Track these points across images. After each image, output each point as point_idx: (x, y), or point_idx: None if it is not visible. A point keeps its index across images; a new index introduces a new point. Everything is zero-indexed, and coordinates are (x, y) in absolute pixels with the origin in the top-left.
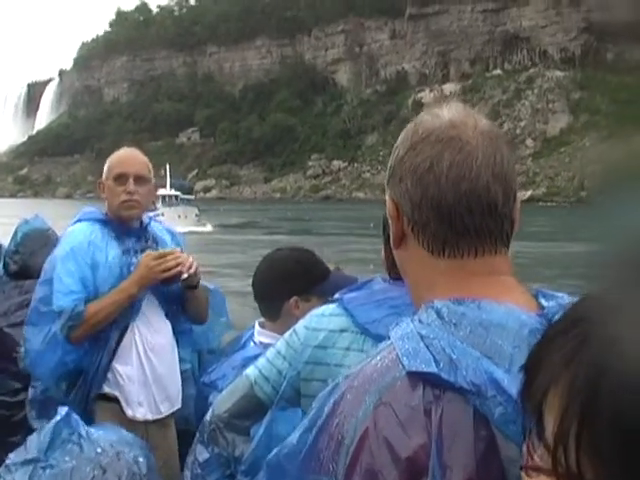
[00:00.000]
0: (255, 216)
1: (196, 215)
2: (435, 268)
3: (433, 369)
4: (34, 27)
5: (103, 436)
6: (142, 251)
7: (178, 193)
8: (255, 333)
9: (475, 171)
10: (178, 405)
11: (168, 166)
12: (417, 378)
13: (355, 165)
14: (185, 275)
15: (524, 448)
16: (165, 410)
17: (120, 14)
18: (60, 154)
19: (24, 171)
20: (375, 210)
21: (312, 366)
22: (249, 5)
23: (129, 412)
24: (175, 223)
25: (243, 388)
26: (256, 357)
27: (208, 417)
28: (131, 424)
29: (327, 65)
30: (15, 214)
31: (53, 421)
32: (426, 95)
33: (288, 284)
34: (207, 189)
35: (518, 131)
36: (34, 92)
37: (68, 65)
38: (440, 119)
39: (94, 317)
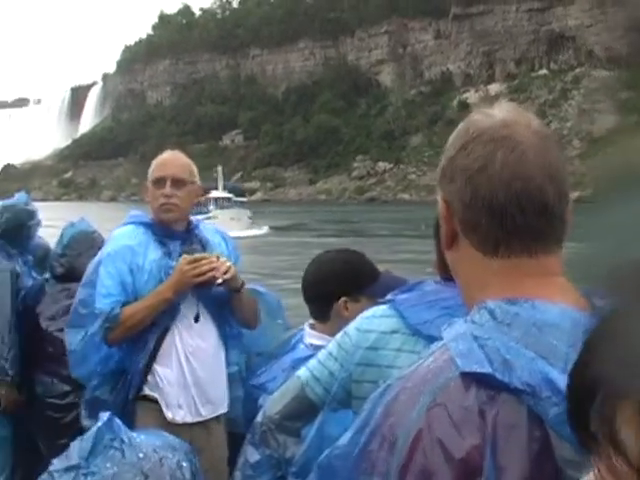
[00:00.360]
0: (302, 218)
1: (249, 217)
2: (487, 268)
3: (487, 370)
4: (77, 32)
5: (146, 441)
6: (184, 254)
7: (231, 195)
8: (305, 335)
9: (528, 171)
10: (223, 409)
11: (220, 168)
12: (471, 379)
13: (400, 166)
14: (220, 280)
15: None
16: (207, 413)
17: (163, 17)
18: (104, 157)
19: (69, 174)
20: (424, 211)
21: (363, 367)
22: (292, 7)
23: (169, 414)
24: (228, 226)
25: (294, 389)
26: (306, 359)
27: (259, 418)
28: (174, 427)
29: (370, 66)
30: (60, 217)
31: (95, 426)
32: (471, 96)
33: (337, 285)
34: (252, 191)
35: (565, 131)
36: (77, 96)
37: (111, 69)
38: (492, 118)
39: (130, 319)
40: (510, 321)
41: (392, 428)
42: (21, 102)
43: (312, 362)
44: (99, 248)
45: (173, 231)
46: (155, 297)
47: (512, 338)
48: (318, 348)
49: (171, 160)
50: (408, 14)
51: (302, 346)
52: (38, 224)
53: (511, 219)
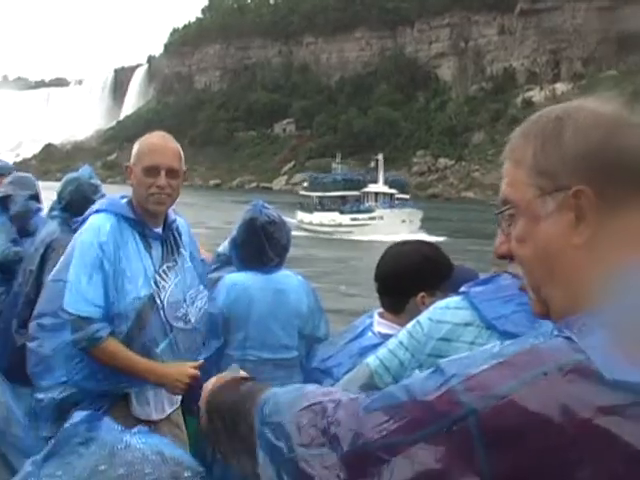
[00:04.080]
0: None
1: (421, 220)
2: None
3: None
4: (123, 13)
5: (140, 447)
6: (164, 258)
7: (394, 191)
8: (374, 323)
9: None
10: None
11: (380, 156)
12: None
13: (462, 164)
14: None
15: None
16: (170, 409)
17: (214, 1)
18: None
19: (113, 156)
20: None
21: (434, 359)
22: None
23: (136, 411)
24: (396, 230)
25: (363, 377)
26: (374, 347)
27: None
28: (139, 423)
29: (430, 59)
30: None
31: (68, 423)
32: (536, 94)
33: (418, 280)
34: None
35: None
36: (120, 77)
37: (156, 51)
38: (607, 105)
39: (106, 356)
40: None
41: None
42: (59, 82)
43: (382, 351)
44: None
45: (154, 230)
46: (142, 369)
47: None
48: (387, 337)
49: (165, 147)
50: (472, 7)
51: (370, 334)
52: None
53: None
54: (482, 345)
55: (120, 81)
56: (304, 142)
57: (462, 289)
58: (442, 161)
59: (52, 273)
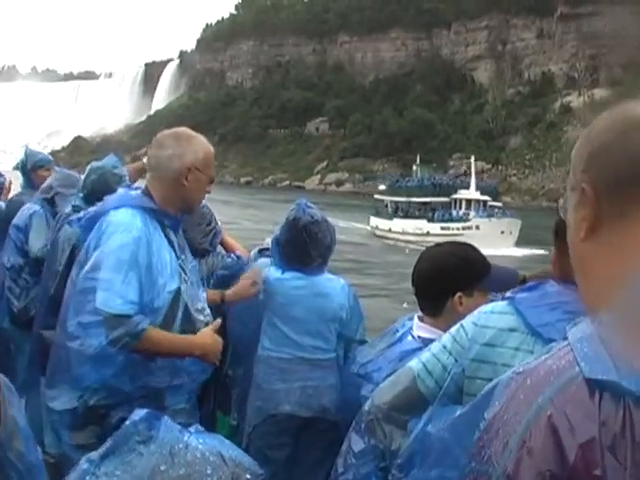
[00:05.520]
0: None
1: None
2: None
3: (613, 377)
4: (154, 8)
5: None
6: (181, 249)
7: (487, 198)
8: (414, 327)
9: None
10: None
11: (473, 159)
12: (595, 385)
13: (499, 167)
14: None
15: None
16: None
17: None
18: None
19: (142, 151)
20: (534, 218)
21: (478, 364)
22: None
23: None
24: (494, 242)
25: (405, 381)
26: (414, 351)
27: (367, 407)
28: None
29: (466, 62)
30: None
31: (129, 421)
32: (574, 99)
33: (453, 281)
34: (339, 182)
35: None
36: (151, 72)
37: (188, 47)
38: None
39: (150, 344)
40: None
41: (506, 426)
42: (88, 75)
43: (425, 354)
44: None
45: (174, 218)
46: (185, 345)
47: None
48: (427, 341)
49: None
50: (510, 10)
51: (410, 338)
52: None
53: None
54: (527, 351)
55: (151, 75)
56: (337, 141)
57: (507, 294)
58: (479, 164)
59: (85, 270)
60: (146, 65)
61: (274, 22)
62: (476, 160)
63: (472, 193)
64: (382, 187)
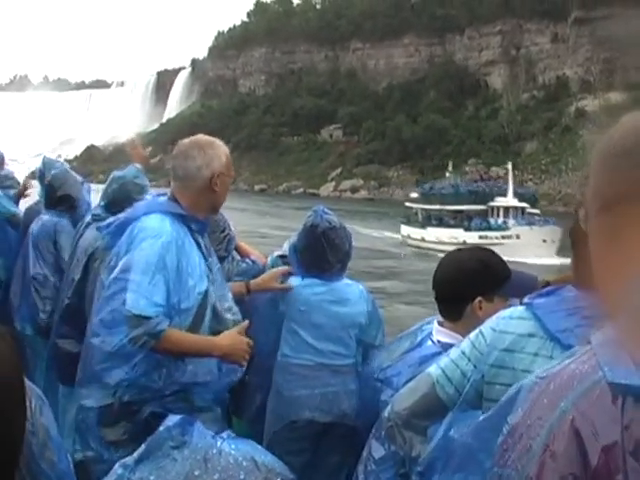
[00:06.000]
0: None
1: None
2: None
3: (636, 381)
4: (166, 16)
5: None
6: (207, 252)
7: (525, 205)
8: (434, 331)
9: None
10: None
11: (510, 166)
12: (617, 389)
13: (515, 173)
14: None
15: None
16: None
17: (259, 4)
18: None
19: (156, 159)
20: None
21: (497, 369)
22: (397, 1)
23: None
24: (539, 252)
25: (425, 387)
26: (433, 356)
27: (386, 413)
28: None
29: (480, 67)
30: None
31: (164, 426)
32: (590, 103)
33: (474, 286)
34: (354, 189)
35: None
36: (163, 80)
37: (199, 55)
38: None
39: (170, 344)
40: None
41: (529, 430)
42: (99, 84)
43: (444, 360)
44: None
45: (202, 223)
46: (207, 346)
47: None
48: (446, 346)
49: None
50: (524, 15)
51: (430, 343)
52: None
53: None
54: (546, 357)
55: (163, 83)
56: (351, 148)
57: (525, 300)
58: (494, 170)
59: (116, 272)
60: (158, 73)
61: (286, 29)
62: (492, 165)
63: (510, 200)
64: (414, 195)
